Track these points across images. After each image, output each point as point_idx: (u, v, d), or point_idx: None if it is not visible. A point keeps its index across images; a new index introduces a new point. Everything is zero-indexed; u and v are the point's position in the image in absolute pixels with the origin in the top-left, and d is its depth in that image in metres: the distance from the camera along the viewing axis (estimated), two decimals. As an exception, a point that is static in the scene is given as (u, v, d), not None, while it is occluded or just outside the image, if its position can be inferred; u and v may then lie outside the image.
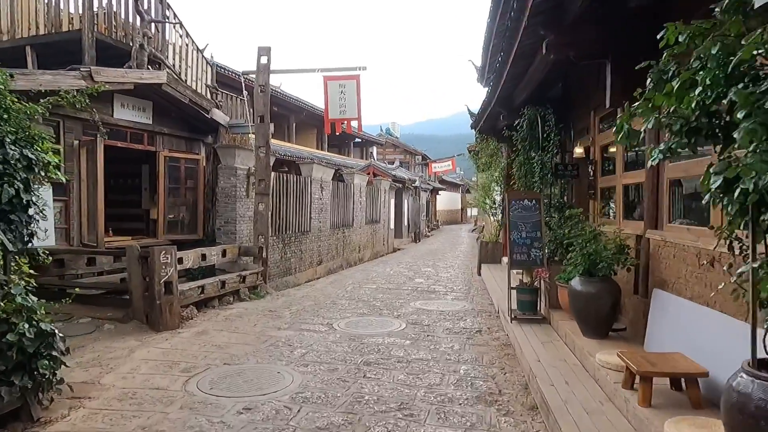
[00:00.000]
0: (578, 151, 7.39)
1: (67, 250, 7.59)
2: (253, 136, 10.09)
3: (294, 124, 25.23)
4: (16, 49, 8.97)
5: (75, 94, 7.13)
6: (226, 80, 13.53)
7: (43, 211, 4.88)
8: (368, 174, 20.68)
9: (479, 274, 13.02)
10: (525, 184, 8.85)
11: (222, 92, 11.81)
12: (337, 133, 10.12)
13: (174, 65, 10.29)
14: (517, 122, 8.52)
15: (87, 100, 5.85)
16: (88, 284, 7.49)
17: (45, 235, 7.70)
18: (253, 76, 10.04)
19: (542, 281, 6.64)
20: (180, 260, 7.96)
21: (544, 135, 7.78)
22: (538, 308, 6.74)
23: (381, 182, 20.51)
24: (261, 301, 9.07)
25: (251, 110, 10.30)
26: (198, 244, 10.29)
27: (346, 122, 9.73)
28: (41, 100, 5.06)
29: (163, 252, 6.72)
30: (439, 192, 43.29)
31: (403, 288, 10.86)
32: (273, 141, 21.60)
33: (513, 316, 6.64)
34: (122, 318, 6.76)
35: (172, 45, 10.30)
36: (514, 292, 6.85)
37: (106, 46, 9.23)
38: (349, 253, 16.27)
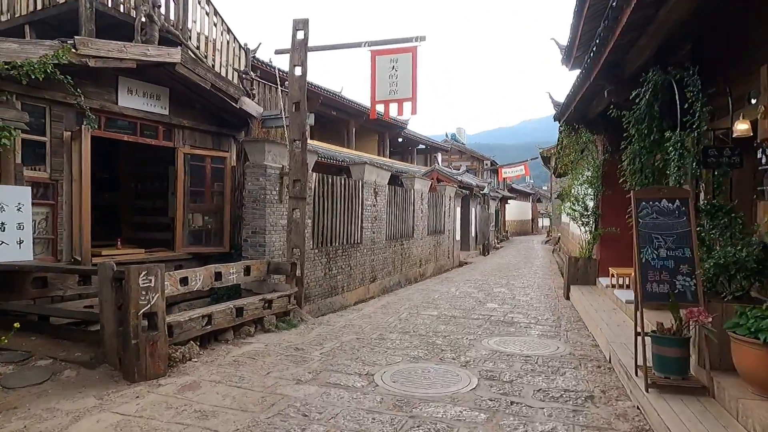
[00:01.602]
0: (741, 127, 4.88)
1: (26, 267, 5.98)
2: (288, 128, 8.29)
3: (354, 130, 23.71)
4: (16, 29, 7.74)
5: (50, 67, 5.64)
6: (263, 76, 11.96)
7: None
8: (431, 179, 18.55)
9: (567, 298, 10.47)
10: (642, 181, 6.39)
11: (258, 80, 10.17)
12: (385, 118, 8.08)
13: (198, 48, 8.74)
14: (635, 94, 6.10)
15: (65, 76, 4.24)
16: (63, 312, 5.87)
17: (18, 248, 6.28)
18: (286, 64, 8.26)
19: (697, 327, 4.20)
20: (184, 281, 6.23)
21: (685, 106, 5.31)
22: (690, 369, 4.31)
23: (445, 188, 18.31)
24: (290, 332, 7.15)
25: (286, 98, 8.52)
26: (224, 258, 8.61)
27: (397, 104, 7.70)
28: None
29: (144, 273, 4.94)
30: (509, 201, 40.28)
31: (472, 316, 8.59)
32: (331, 146, 20.17)
33: (650, 381, 4.24)
34: (89, 361, 5.04)
35: (196, 23, 8.75)
36: (647, 340, 4.44)
37: (116, 23, 7.80)
38: (408, 269, 14.18)
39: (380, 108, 7.92)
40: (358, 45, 8.05)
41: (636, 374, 4.60)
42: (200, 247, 8.65)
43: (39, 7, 7.58)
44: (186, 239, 8.44)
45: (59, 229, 6.56)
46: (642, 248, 4.51)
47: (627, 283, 8.34)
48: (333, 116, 21.88)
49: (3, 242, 5.90)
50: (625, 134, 6.67)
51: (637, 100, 6.11)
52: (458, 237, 20.35)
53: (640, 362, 4.49)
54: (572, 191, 11.35)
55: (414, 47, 7.81)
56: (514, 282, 13.55)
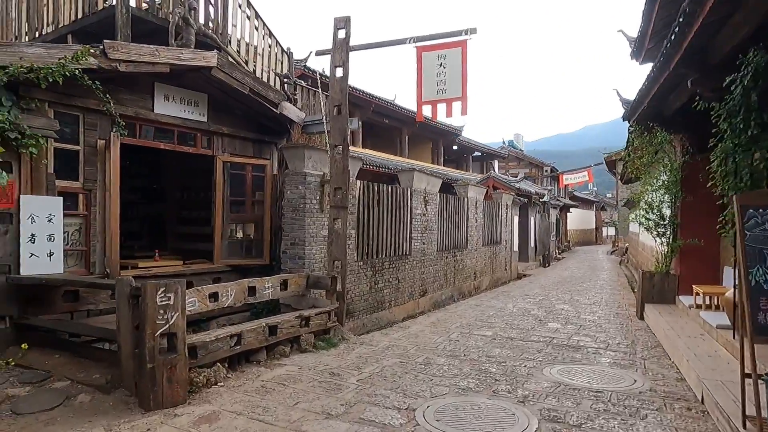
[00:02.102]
0: None
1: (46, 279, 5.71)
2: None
3: (407, 138, 23.21)
4: (60, 39, 7.72)
5: (77, 71, 5.40)
6: (314, 84, 11.61)
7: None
8: (486, 187, 17.63)
9: (641, 318, 9.31)
10: (736, 185, 5.36)
11: (300, 85, 9.80)
12: (434, 120, 7.41)
13: (239, 52, 8.45)
14: (728, 80, 5.11)
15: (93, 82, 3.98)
16: (82, 329, 5.55)
17: (49, 261, 6.08)
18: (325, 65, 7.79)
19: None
20: (214, 296, 5.81)
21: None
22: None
23: (502, 196, 17.32)
24: (328, 353, 6.58)
25: (328, 102, 8.04)
26: (265, 271, 8.22)
27: (446, 105, 7.00)
28: None
29: (162, 289, 4.52)
30: (570, 209, 38.28)
31: (531, 338, 7.69)
32: (383, 155, 19.72)
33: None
34: (105, 385, 4.67)
35: (236, 27, 8.47)
36: (762, 386, 3.50)
37: (154, 29, 7.61)
38: (461, 282, 13.34)
39: (427, 110, 7.26)
40: (402, 42, 7.46)
41: (744, 426, 3.64)
42: (240, 258, 8.29)
43: (80, 15, 7.53)
44: (225, 251, 8.10)
45: (92, 240, 6.33)
46: (750, 268, 3.58)
47: (717, 303, 7.18)
48: (385, 124, 21.49)
49: (33, 254, 5.71)
50: (713, 130, 5.66)
51: (731, 88, 5.11)
52: (516, 247, 19.23)
53: (750, 411, 3.55)
54: (645, 198, 10.17)
55: (463, 41, 7.12)
56: (579, 298, 12.40)
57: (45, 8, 7.96)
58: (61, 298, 5.83)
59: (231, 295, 6.08)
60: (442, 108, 7.06)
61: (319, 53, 7.97)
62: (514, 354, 6.65)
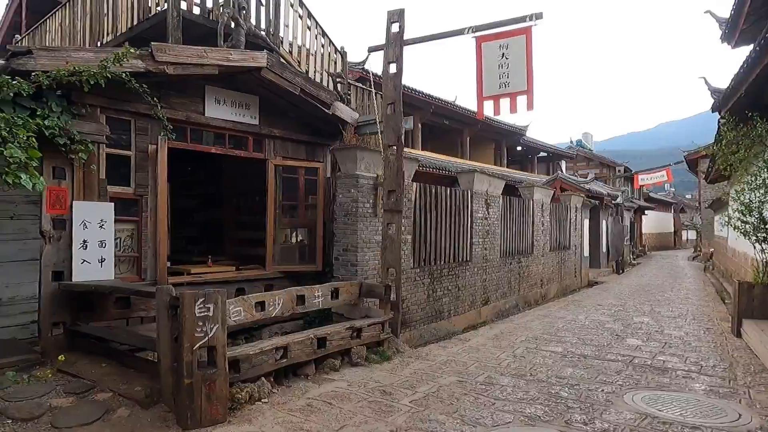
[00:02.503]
0: None
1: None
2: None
3: (468, 139, 22.51)
4: (118, 47, 7.79)
5: (124, 74, 5.31)
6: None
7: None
8: (553, 189, 16.58)
9: (737, 336, 8.17)
10: None
11: (355, 86, 9.48)
12: (497, 114, 6.77)
13: (291, 53, 8.25)
14: None
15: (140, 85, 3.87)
16: (124, 337, 5.40)
17: (100, 267, 6.04)
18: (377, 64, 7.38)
19: None
20: (260, 306, 5.53)
21: None
22: None
23: (571, 198, 16.22)
24: (381, 367, 6.14)
25: (381, 101, 7.63)
26: (318, 277, 7.93)
27: (509, 99, 6.37)
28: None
29: (201, 300, 4.26)
30: (646, 212, 35.78)
31: (608, 356, 6.87)
32: (443, 157, 19.13)
33: None
34: (145, 398, 4.46)
35: (288, 27, 8.26)
36: None
37: (206, 33, 7.53)
38: (527, 289, 12.51)
39: (489, 107, 6.65)
40: (460, 32, 6.91)
41: None
42: (292, 265, 8.04)
43: (135, 22, 7.60)
44: (277, 257, 7.88)
45: (144, 246, 6.26)
46: None
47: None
48: (445, 126, 20.93)
49: (84, 260, 5.69)
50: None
51: None
52: (587, 253, 17.99)
53: None
54: (740, 198, 8.97)
55: (528, 28, 6.47)
56: (660, 309, 11.23)
57: (105, 18, 8.12)
58: (112, 305, 5.77)
59: (279, 304, 5.78)
60: (505, 103, 6.44)
61: (372, 49, 7.58)
62: (588, 375, 5.91)
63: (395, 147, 7.21)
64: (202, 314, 4.27)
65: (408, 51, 7.24)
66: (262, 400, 4.79)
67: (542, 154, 30.63)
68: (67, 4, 9.02)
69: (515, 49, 6.54)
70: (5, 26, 13.70)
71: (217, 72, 6.34)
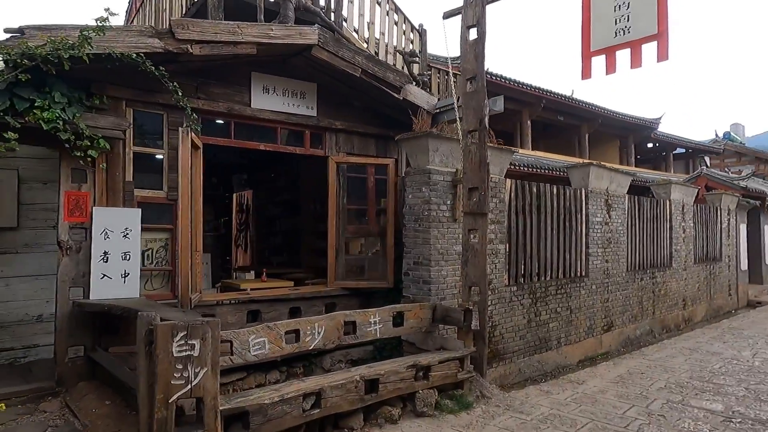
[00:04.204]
0: None
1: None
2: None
3: (587, 136, 19.85)
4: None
5: (135, 54, 4.46)
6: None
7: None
8: (697, 187, 13.55)
9: None
10: None
11: (436, 67, 8.05)
12: (609, 74, 4.87)
13: (357, 31, 7.09)
14: None
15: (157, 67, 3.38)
16: (121, 371, 4.46)
17: (123, 283, 5.24)
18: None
19: None
20: (293, 335, 4.35)
21: None
22: None
23: (721, 198, 13.11)
24: (456, 420, 4.61)
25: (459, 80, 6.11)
26: (390, 296, 6.63)
27: (630, 50, 4.53)
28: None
29: (183, 334, 3.13)
30: (823, 214, 29.21)
31: (801, 423, 4.62)
32: (558, 157, 16.81)
33: None
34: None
35: (353, 2, 7.11)
36: None
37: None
38: (664, 311, 10.01)
39: (599, 63, 4.83)
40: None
41: None
42: (358, 280, 6.81)
43: (183, 11, 6.96)
44: (341, 270, 6.71)
45: (177, 259, 5.41)
46: None
47: None
48: (560, 122, 18.64)
49: (105, 275, 4.95)
50: None
51: None
52: (744, 266, 14.51)
53: None
54: None
55: (658, -48, 4.58)
56: None
57: (165, 13, 7.65)
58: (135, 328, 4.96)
59: (319, 333, 4.54)
60: (623, 57, 4.60)
61: (447, 15, 6.11)
62: (773, 459, 3.84)
63: (477, 133, 5.66)
64: (183, 353, 3.14)
65: (493, 23, 5.67)
66: (278, 468, 3.56)
67: (679, 150, 26.45)
68: (141, 6, 8.83)
69: (639, -15, 4.68)
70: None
71: (256, 51, 5.33)
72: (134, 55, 4.46)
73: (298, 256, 10.15)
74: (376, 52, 7.20)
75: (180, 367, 3.12)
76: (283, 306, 6.14)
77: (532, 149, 16.99)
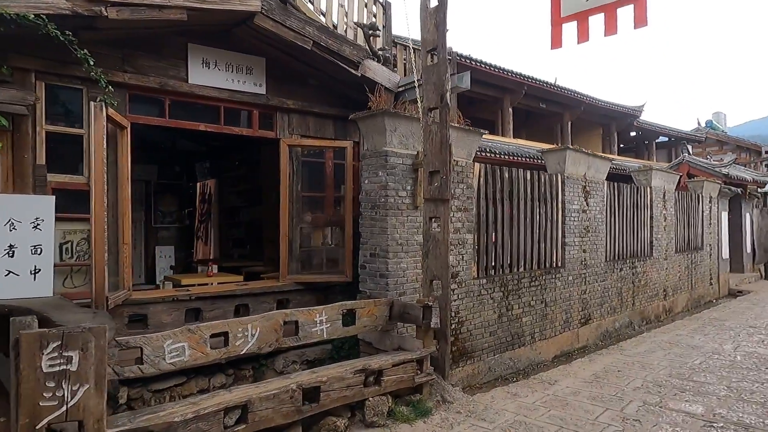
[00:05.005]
0: None
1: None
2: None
3: (569, 124, 19.43)
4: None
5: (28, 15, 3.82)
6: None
7: None
8: (679, 174, 13.20)
9: None
10: None
11: (402, 44, 7.49)
12: (580, 42, 4.35)
13: (312, 2, 6.49)
14: None
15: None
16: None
17: (33, 280, 4.62)
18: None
19: None
20: (219, 339, 3.79)
21: None
22: None
23: (703, 185, 12.78)
24: (412, 429, 4.10)
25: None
26: (348, 290, 6.08)
27: (604, 15, 4.01)
28: None
29: (56, 344, 2.56)
30: (802, 202, 29.33)
31: (787, 427, 4.20)
32: (538, 145, 16.28)
33: None
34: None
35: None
36: None
37: None
38: (644, 303, 9.64)
39: (570, 31, 4.31)
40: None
41: None
42: (314, 274, 6.27)
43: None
44: (294, 264, 6.16)
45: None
46: None
47: None
48: (543, 110, 18.20)
49: (11, 272, 4.31)
50: None
51: None
52: (726, 254, 14.25)
53: None
54: None
55: None
56: None
57: None
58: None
59: (253, 336, 3.99)
60: (597, 22, 4.08)
61: (407, -18, 5.53)
62: (759, 473, 3.40)
63: (438, 111, 5.12)
64: (57, 368, 2.57)
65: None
66: (189, 498, 3.01)
67: (662, 139, 26.27)
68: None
69: (615, -59, 4.15)
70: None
71: (186, 17, 4.71)
72: (32, 16, 3.83)
73: (260, 249, 9.58)
74: (334, 25, 6.60)
75: (52, 384, 2.55)
76: (228, 303, 5.57)
77: (514, 137, 16.54)
